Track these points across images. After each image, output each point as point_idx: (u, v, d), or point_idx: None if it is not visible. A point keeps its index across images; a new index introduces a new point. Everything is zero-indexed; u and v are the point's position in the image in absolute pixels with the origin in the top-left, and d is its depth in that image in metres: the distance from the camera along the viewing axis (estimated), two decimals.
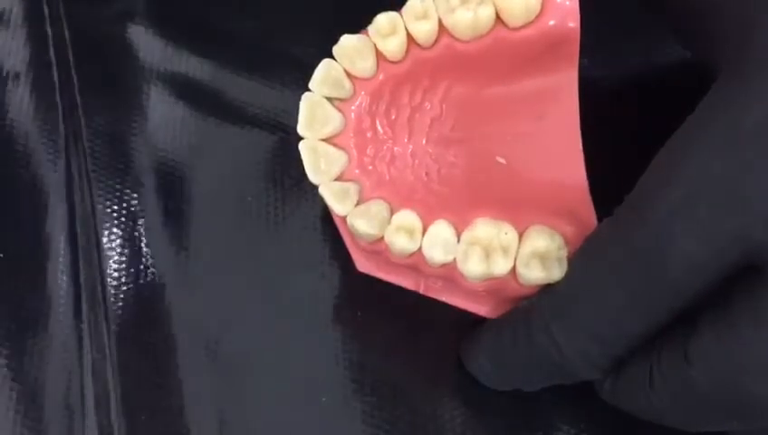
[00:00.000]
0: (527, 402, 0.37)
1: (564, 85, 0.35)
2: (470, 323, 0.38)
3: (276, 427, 0.37)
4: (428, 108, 0.37)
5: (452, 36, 0.35)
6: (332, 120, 0.36)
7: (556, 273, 0.33)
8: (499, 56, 0.35)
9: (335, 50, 0.35)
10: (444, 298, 0.37)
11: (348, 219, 0.35)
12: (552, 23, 0.34)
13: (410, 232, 0.35)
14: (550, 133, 0.36)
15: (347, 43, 0.35)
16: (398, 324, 0.39)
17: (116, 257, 0.39)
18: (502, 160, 0.37)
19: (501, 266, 0.34)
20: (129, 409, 0.36)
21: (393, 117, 0.37)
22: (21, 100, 0.31)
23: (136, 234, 0.40)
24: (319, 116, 0.36)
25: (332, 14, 0.41)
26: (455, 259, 0.34)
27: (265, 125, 0.35)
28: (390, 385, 0.37)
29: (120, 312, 0.38)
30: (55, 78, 0.36)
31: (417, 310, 0.38)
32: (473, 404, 0.37)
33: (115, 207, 0.40)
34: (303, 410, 0.37)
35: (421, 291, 0.37)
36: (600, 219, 0.34)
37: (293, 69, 0.35)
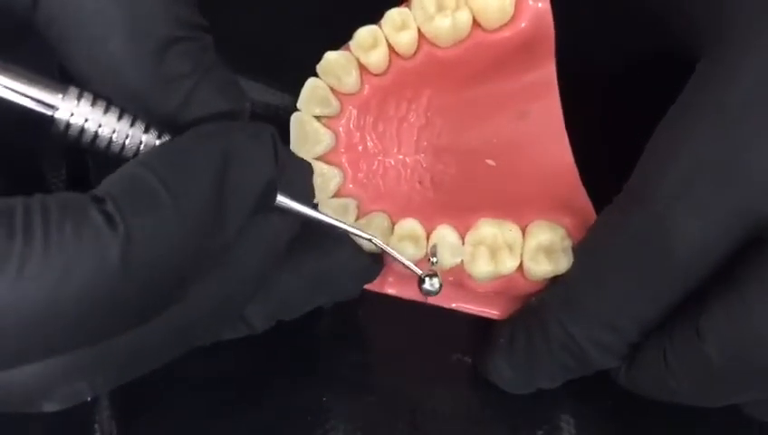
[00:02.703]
0: (528, 400, 0.37)
1: (544, 82, 0.36)
2: (470, 322, 0.38)
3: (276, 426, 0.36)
4: (414, 118, 0.38)
5: (432, 44, 0.35)
6: (323, 139, 0.36)
7: (563, 264, 0.34)
8: (479, 59, 0.36)
9: (319, 67, 0.35)
10: (453, 305, 0.37)
11: (351, 235, 0.35)
12: (524, 24, 0.35)
13: (415, 239, 0.35)
14: (534, 130, 0.36)
15: (330, 60, 0.35)
16: (399, 324, 0.39)
17: None
18: (491, 163, 0.37)
19: (508, 264, 0.34)
20: None
21: (381, 130, 0.37)
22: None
23: None
24: (310, 135, 0.36)
25: (332, 14, 0.41)
26: (462, 262, 0.34)
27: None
28: (390, 385, 0.38)
29: None
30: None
31: (417, 310, 0.38)
32: (473, 403, 0.37)
33: None
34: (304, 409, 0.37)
35: (429, 300, 0.37)
36: (598, 210, 0.34)
37: (293, 69, 0.35)
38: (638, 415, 0.36)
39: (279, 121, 0.37)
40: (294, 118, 0.36)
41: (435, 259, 0.34)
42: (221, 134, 0.27)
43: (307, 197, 0.30)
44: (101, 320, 0.25)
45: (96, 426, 0.35)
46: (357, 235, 0.32)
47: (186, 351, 0.29)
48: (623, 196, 0.33)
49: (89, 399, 0.27)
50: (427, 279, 0.33)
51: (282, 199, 0.29)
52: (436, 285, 0.33)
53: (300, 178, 0.30)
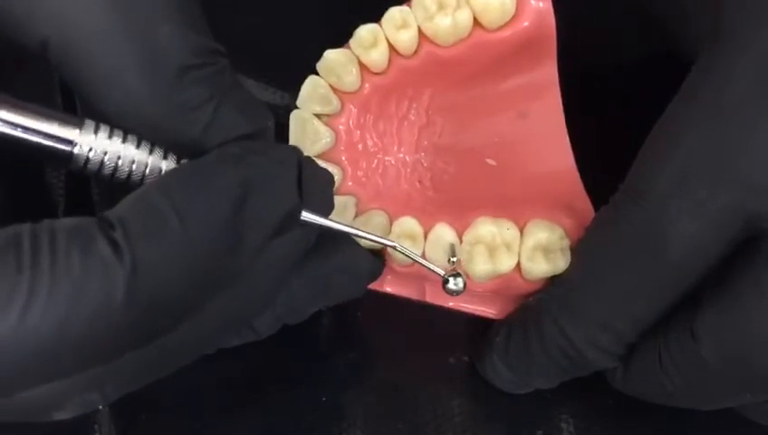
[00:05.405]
0: (528, 400, 0.37)
1: (545, 82, 0.36)
2: (469, 322, 0.38)
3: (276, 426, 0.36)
4: (415, 117, 0.38)
5: (433, 43, 0.35)
6: (323, 137, 0.36)
7: (561, 264, 0.34)
8: (479, 59, 0.36)
9: (319, 66, 0.36)
10: (450, 303, 0.37)
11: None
12: (526, 24, 0.35)
13: (412, 238, 0.35)
14: (535, 130, 0.36)
15: (331, 58, 0.35)
16: (398, 324, 0.39)
17: None
18: (492, 162, 0.37)
19: (506, 263, 0.34)
20: None
21: (381, 128, 0.37)
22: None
23: None
24: (309, 133, 0.36)
25: (332, 13, 0.42)
26: (459, 260, 0.34)
27: None
28: (390, 385, 0.37)
29: None
30: (56, 79, 0.36)
31: (417, 309, 0.38)
32: (473, 403, 0.37)
33: None
34: (304, 409, 0.37)
35: (427, 299, 0.37)
36: (597, 210, 0.34)
37: (293, 68, 0.36)
38: (638, 415, 0.36)
39: (279, 121, 0.38)
40: (294, 115, 0.36)
41: (454, 259, 0.34)
42: (242, 159, 0.27)
43: (328, 207, 0.30)
44: (107, 346, 0.25)
45: (96, 426, 0.36)
46: (381, 243, 0.32)
47: (195, 359, 0.30)
48: (619, 195, 0.33)
49: (100, 407, 0.27)
50: (451, 279, 0.32)
51: (305, 215, 0.29)
52: (461, 284, 0.32)
53: (322, 190, 0.30)
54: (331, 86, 0.36)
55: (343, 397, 0.37)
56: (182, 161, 0.28)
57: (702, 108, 0.31)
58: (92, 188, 0.37)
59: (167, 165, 0.28)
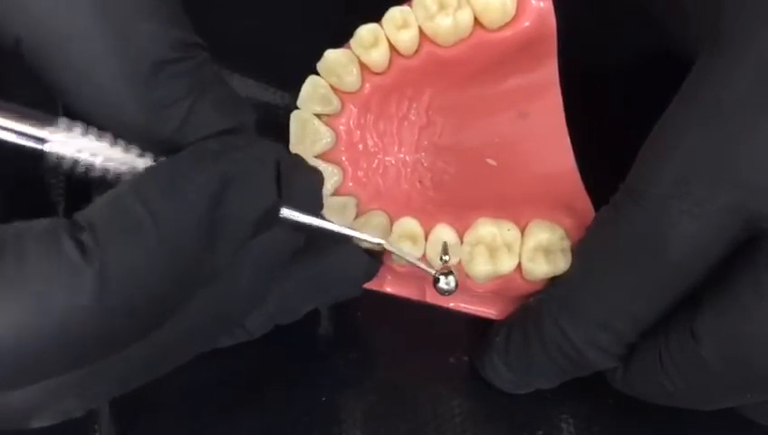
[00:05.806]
0: (528, 400, 0.37)
1: (545, 82, 0.36)
2: (469, 322, 0.38)
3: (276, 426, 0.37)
4: (415, 117, 0.38)
5: (433, 43, 0.35)
6: (323, 137, 0.36)
7: (561, 265, 0.34)
8: (480, 59, 0.36)
9: (320, 66, 0.36)
10: (451, 304, 0.37)
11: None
12: (526, 23, 0.35)
13: (413, 238, 0.35)
14: (535, 130, 0.36)
15: (331, 58, 0.35)
16: (398, 324, 0.39)
17: None
18: (492, 162, 0.37)
19: (507, 264, 0.34)
20: None
21: (382, 128, 0.38)
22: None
23: None
24: (309, 133, 0.36)
25: (333, 13, 0.42)
26: (460, 261, 0.34)
27: (262, 123, 0.36)
28: (390, 385, 0.38)
29: None
30: None
31: (417, 309, 0.38)
32: (473, 403, 0.37)
33: None
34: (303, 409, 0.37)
35: (427, 299, 0.37)
36: (596, 210, 0.34)
37: (293, 68, 0.36)
38: (638, 415, 0.36)
39: (279, 121, 0.38)
40: (294, 116, 0.36)
41: (446, 257, 0.34)
42: (221, 156, 0.26)
43: (314, 206, 0.30)
44: (79, 352, 0.24)
45: (96, 426, 0.36)
46: (366, 241, 0.32)
47: (182, 362, 0.29)
48: (619, 195, 0.33)
49: (79, 415, 0.27)
50: (441, 278, 0.32)
51: (287, 213, 0.28)
52: (452, 284, 0.32)
53: (307, 189, 0.30)
54: (331, 86, 0.36)
55: (343, 397, 0.37)
56: (158, 159, 0.28)
57: (702, 108, 0.31)
58: (93, 189, 0.37)
59: (143, 163, 0.28)
